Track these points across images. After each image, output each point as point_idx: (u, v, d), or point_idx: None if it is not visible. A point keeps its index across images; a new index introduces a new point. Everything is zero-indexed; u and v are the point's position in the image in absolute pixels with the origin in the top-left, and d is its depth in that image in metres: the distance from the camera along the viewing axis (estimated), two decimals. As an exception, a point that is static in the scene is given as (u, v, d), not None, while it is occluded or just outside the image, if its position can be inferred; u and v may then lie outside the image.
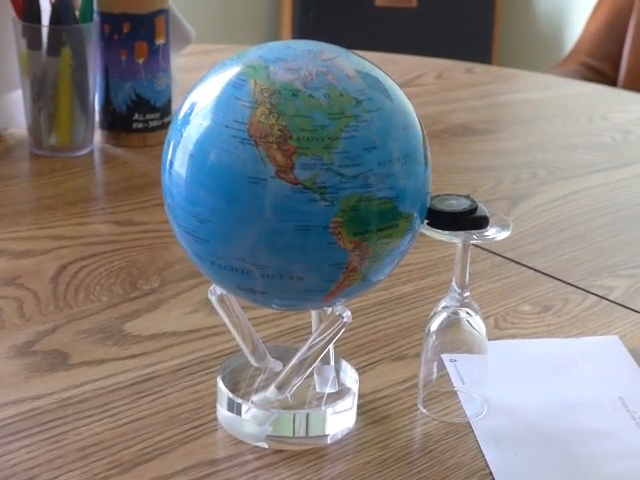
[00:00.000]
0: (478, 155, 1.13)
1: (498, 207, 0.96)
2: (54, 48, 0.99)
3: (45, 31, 0.99)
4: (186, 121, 0.53)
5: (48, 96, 1.01)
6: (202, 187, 0.52)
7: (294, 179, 0.50)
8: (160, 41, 1.06)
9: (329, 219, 0.51)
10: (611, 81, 2.26)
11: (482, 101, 1.35)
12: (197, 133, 0.52)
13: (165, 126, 1.08)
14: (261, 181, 0.50)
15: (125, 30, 1.04)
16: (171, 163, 0.54)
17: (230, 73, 0.53)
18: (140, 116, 1.06)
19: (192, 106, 0.53)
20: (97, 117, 1.07)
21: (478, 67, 1.51)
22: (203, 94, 0.53)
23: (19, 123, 1.06)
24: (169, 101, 1.08)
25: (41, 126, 1.02)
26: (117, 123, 1.06)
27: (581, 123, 1.25)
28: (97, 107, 1.06)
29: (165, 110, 1.08)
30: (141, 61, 1.05)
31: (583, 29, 2.39)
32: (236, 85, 0.52)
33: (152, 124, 1.07)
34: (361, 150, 0.51)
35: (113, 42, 1.04)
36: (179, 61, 1.17)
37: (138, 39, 1.05)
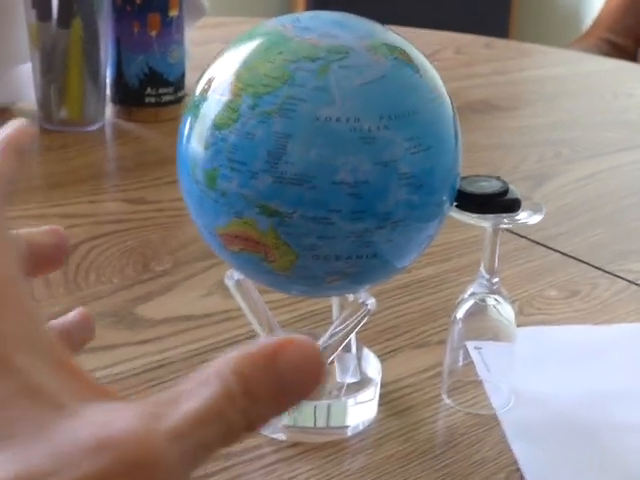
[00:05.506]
0: (500, 133, 1.10)
1: (522, 187, 0.93)
2: (64, 19, 0.97)
3: (55, 2, 0.96)
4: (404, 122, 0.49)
5: (58, 69, 0.98)
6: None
7: None
8: (173, 13, 1.03)
9: None
10: (631, 56, 2.22)
11: (503, 77, 1.32)
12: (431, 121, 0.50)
13: (179, 100, 1.05)
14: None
15: (137, 1, 1.01)
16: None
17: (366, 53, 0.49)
18: (153, 90, 1.03)
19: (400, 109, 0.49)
20: (108, 91, 1.04)
21: (498, 42, 1.48)
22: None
23: (28, 97, 1.03)
24: (183, 75, 1.05)
25: (51, 100, 0.99)
26: (129, 97, 1.04)
27: (605, 100, 1.22)
28: (108, 81, 1.03)
29: (179, 84, 1.05)
30: (154, 33, 1.02)
31: (603, 4, 2.34)
32: (402, 64, 0.49)
33: (165, 99, 1.04)
34: None
35: (125, 13, 1.01)
36: (191, 34, 1.14)
37: (151, 10, 1.01)
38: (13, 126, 0.39)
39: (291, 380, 0.30)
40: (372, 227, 0.48)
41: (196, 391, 0.29)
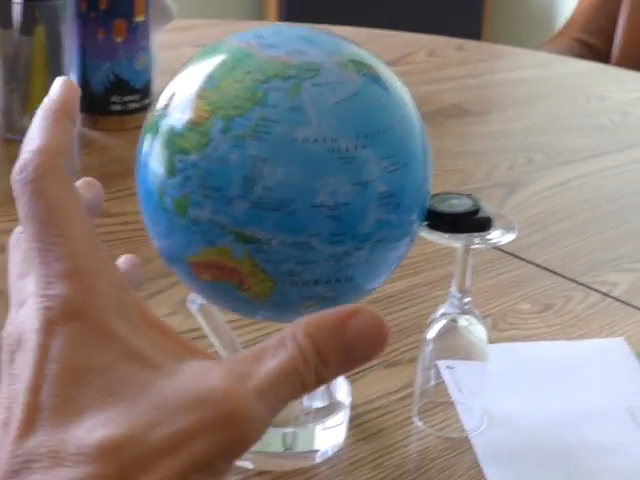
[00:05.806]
0: (472, 138, 1.09)
1: (493, 195, 0.92)
2: (27, 26, 0.94)
3: (17, 8, 0.94)
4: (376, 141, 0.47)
5: (21, 77, 0.95)
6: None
7: None
8: (140, 18, 1.01)
9: None
10: (604, 57, 2.22)
11: (475, 80, 1.30)
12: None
13: (145, 108, 1.03)
14: None
15: (102, 7, 0.99)
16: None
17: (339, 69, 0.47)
18: (118, 98, 1.01)
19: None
20: (73, 99, 1.02)
21: (470, 44, 1.46)
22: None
23: (-10, 105, 1.01)
24: (149, 82, 1.03)
25: (13, 109, 0.97)
26: (94, 105, 1.01)
27: (578, 104, 1.21)
28: (73, 88, 1.01)
29: (145, 91, 1.03)
30: (119, 40, 1.00)
31: (576, 4, 2.34)
32: (372, 79, 0.48)
33: (131, 106, 1.02)
34: None
35: (90, 20, 0.99)
36: (161, 37, 1.12)
37: (116, 16, 0.99)
38: (59, 87, 0.40)
39: (357, 344, 0.33)
40: (351, 249, 0.47)
41: (275, 351, 0.33)
